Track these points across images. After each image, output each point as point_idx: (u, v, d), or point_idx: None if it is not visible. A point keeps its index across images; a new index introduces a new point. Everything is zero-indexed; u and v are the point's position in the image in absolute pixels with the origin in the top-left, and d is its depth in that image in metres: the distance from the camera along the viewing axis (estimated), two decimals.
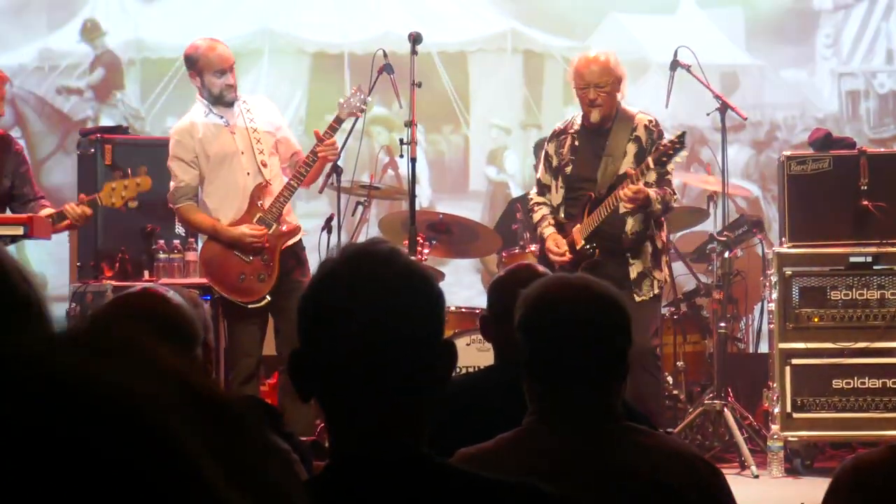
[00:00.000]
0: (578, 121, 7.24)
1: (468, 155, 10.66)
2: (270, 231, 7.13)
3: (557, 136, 7.33)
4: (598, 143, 7.15)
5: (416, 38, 6.98)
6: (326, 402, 2.03)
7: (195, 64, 7.22)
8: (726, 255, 7.97)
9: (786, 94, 10.48)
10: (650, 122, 7.17)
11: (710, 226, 8.59)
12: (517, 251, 8.00)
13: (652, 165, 6.91)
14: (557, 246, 7.17)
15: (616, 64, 7.15)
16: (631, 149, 7.10)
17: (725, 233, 8.02)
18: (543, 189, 7.35)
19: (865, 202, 7.47)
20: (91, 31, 10.54)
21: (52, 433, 0.73)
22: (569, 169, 7.23)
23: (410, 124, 6.83)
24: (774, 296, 7.54)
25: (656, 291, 7.16)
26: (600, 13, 10.53)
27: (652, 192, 6.96)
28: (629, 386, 7.50)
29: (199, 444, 0.76)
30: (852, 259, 7.46)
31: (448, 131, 10.65)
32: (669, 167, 7.07)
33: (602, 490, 2.61)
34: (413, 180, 6.90)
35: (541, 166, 7.44)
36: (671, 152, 6.90)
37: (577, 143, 7.22)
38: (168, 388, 0.78)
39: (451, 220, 8.24)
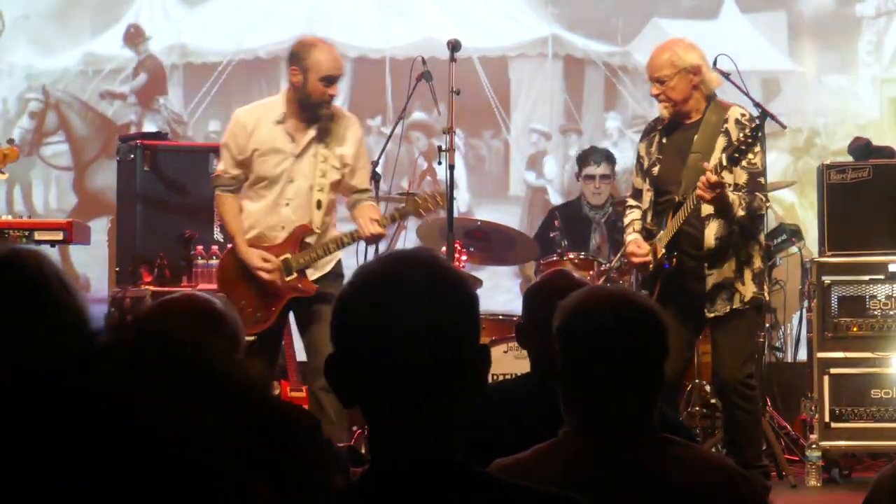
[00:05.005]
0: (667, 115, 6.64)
1: (508, 160, 10.65)
2: (287, 278, 6.68)
3: (648, 133, 6.76)
4: (685, 140, 6.55)
5: (454, 46, 6.97)
6: (363, 408, 2.04)
7: (304, 60, 6.62)
8: (765, 263, 7.94)
9: (827, 100, 10.43)
10: (743, 115, 6.52)
11: None
12: (555, 258, 7.99)
13: (725, 163, 6.26)
14: (639, 246, 6.59)
15: (684, 52, 6.57)
16: (720, 143, 6.46)
17: (765, 241, 7.98)
18: (637, 193, 6.80)
19: None
20: (135, 37, 10.60)
21: (82, 443, 0.74)
22: (655, 170, 6.63)
23: (449, 131, 6.82)
24: (813, 305, 7.51)
25: (737, 306, 6.47)
26: (642, 18, 10.51)
27: (733, 194, 6.30)
28: (724, 421, 6.83)
29: (239, 461, 0.76)
30: (891, 268, 7.43)
31: (488, 136, 10.65)
32: (757, 162, 6.41)
33: (637, 501, 2.61)
34: (451, 188, 6.88)
35: (634, 168, 6.94)
36: (744, 147, 6.28)
37: (664, 140, 6.64)
38: (211, 401, 0.78)
39: (489, 227, 8.22)
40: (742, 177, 6.43)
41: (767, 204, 6.62)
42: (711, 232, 6.48)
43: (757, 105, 7.76)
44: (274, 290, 6.70)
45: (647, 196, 6.70)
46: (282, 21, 10.67)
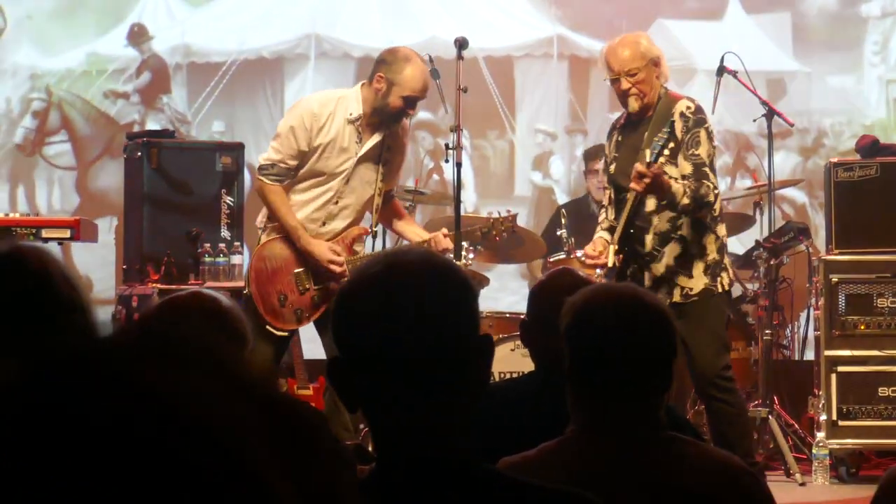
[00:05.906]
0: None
1: (513, 160, 10.66)
2: (343, 280, 6.43)
3: (610, 132, 6.70)
4: (637, 136, 6.42)
5: (461, 44, 6.95)
6: (367, 408, 2.03)
7: (394, 72, 6.53)
8: (772, 261, 7.94)
9: (833, 100, 10.43)
10: (688, 107, 6.34)
11: (756, 232, 8.56)
12: (562, 257, 7.98)
13: (649, 159, 6.13)
14: (593, 249, 6.49)
15: (649, 44, 6.48)
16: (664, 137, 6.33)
17: (772, 239, 7.98)
18: (607, 190, 6.75)
19: None
20: (138, 36, 10.60)
21: (93, 431, 0.73)
22: (612, 167, 6.54)
23: (456, 129, 6.81)
24: (820, 303, 7.50)
25: (676, 300, 6.28)
26: (647, 19, 10.51)
27: (677, 184, 6.18)
28: (709, 418, 6.63)
29: (257, 450, 0.76)
30: None
31: (493, 136, 10.65)
32: (701, 153, 6.26)
33: (643, 500, 2.60)
34: (458, 185, 6.88)
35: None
36: (661, 143, 6.23)
37: (619, 137, 6.55)
38: (227, 392, 0.78)
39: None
40: (687, 168, 6.28)
41: (716, 192, 6.32)
42: (651, 227, 6.36)
43: (764, 103, 7.77)
44: (325, 291, 6.58)
45: (607, 193, 6.66)
46: (285, 21, 10.67)
